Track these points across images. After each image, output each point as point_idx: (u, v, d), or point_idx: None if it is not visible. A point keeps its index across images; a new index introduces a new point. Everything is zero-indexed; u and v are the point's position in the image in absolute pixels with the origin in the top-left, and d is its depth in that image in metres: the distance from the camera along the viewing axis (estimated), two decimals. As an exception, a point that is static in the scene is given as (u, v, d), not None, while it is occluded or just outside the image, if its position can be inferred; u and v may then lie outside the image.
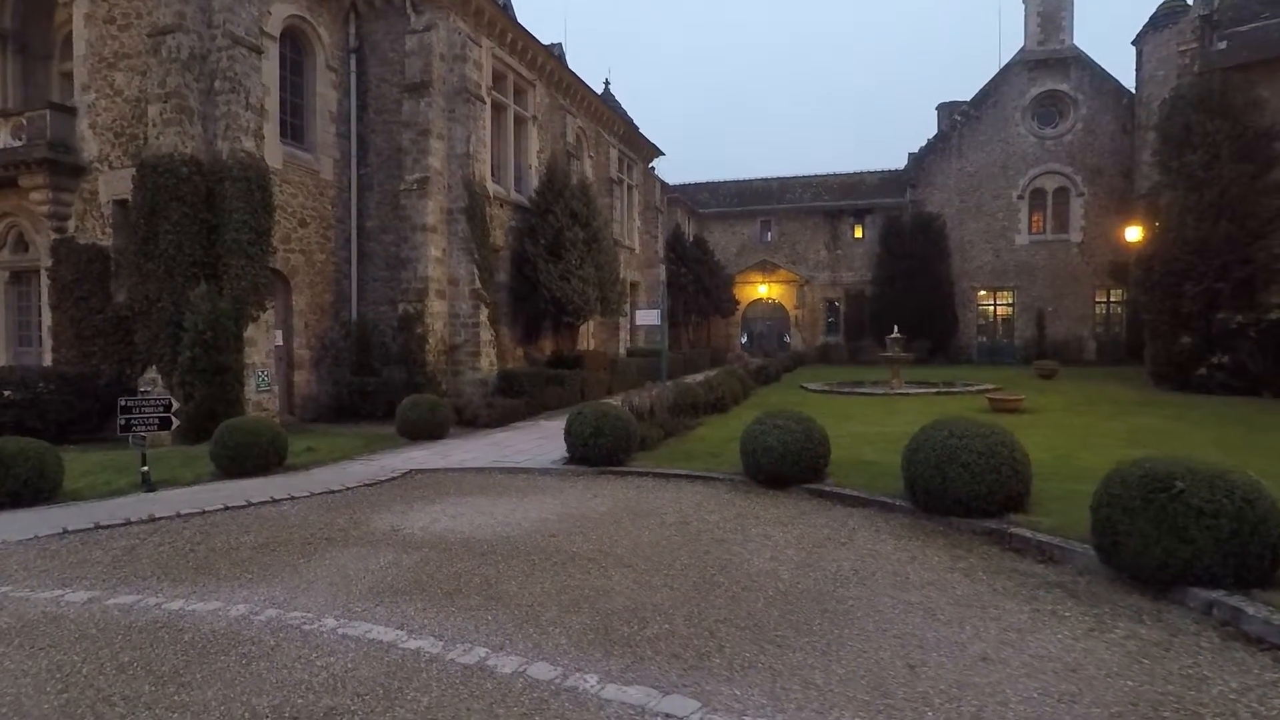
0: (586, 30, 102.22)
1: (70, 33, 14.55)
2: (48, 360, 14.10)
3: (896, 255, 35.39)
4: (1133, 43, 31.45)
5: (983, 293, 36.26)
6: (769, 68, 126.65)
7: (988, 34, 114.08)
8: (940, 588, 4.91)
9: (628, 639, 4.08)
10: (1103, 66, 34.52)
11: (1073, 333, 34.06)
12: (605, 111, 24.22)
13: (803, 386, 21.98)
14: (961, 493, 6.25)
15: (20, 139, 13.82)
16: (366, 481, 8.54)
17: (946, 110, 39.77)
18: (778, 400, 18.35)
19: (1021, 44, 35.60)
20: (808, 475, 7.89)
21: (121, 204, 13.39)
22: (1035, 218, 35.64)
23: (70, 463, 8.92)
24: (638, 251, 27.65)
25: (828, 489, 7.67)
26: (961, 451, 6.28)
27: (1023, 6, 35.67)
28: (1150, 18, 30.24)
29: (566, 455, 9.67)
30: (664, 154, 30.17)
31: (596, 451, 9.08)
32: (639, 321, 16.60)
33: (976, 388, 20.04)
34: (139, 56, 13.25)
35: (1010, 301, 35.96)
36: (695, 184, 41.94)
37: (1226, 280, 17.84)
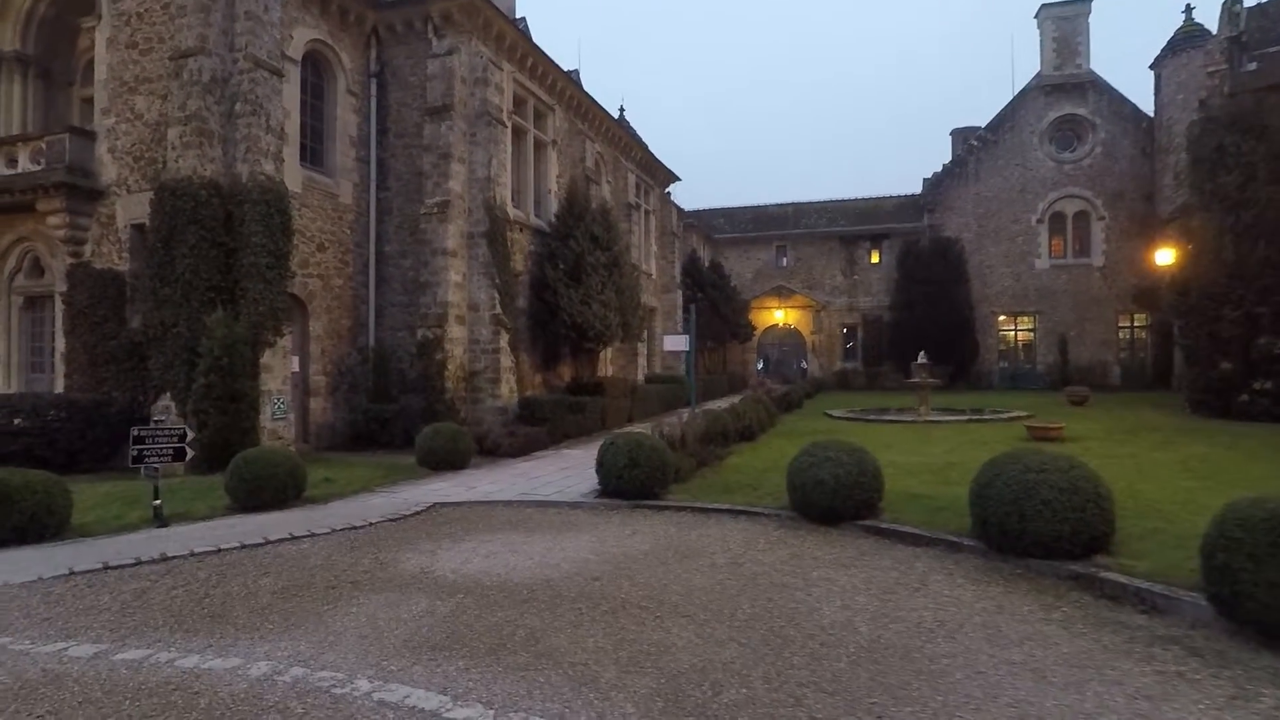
0: (600, 56, 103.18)
1: (92, 59, 14.45)
2: (59, 387, 13.77)
3: (915, 280, 35.00)
4: (1150, 67, 31.30)
5: (1003, 318, 35.72)
6: (781, 94, 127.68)
7: (998, 61, 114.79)
8: (1041, 643, 4.38)
9: (703, 707, 3.58)
10: (1120, 91, 34.33)
11: (1096, 358, 33.40)
12: (623, 136, 24.08)
13: (827, 414, 21.44)
14: (1042, 532, 5.72)
15: (39, 163, 13.65)
16: (389, 516, 8.06)
17: (961, 135, 39.67)
18: (804, 428, 17.83)
19: (1037, 69, 35.48)
20: (861, 511, 7.37)
21: (139, 228, 13.14)
22: (1055, 242, 35.21)
23: (79, 494, 8.48)
24: (654, 277, 27.33)
25: (885, 526, 7.14)
26: (1040, 487, 5.77)
27: (1038, 33, 35.66)
28: (1168, 42, 30.06)
29: (598, 488, 9.18)
30: (680, 179, 29.98)
31: (631, 484, 8.59)
32: (666, 347, 16.16)
33: (1009, 415, 19.45)
34: (160, 80, 13.10)
35: (1031, 326, 35.39)
36: (711, 210, 41.79)
37: (1267, 304, 17.29)
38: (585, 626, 4.70)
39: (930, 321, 33.38)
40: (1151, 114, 32.60)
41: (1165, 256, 21.75)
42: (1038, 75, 35.35)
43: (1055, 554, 5.72)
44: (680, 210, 31.43)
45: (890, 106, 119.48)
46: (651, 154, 26.50)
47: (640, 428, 18.99)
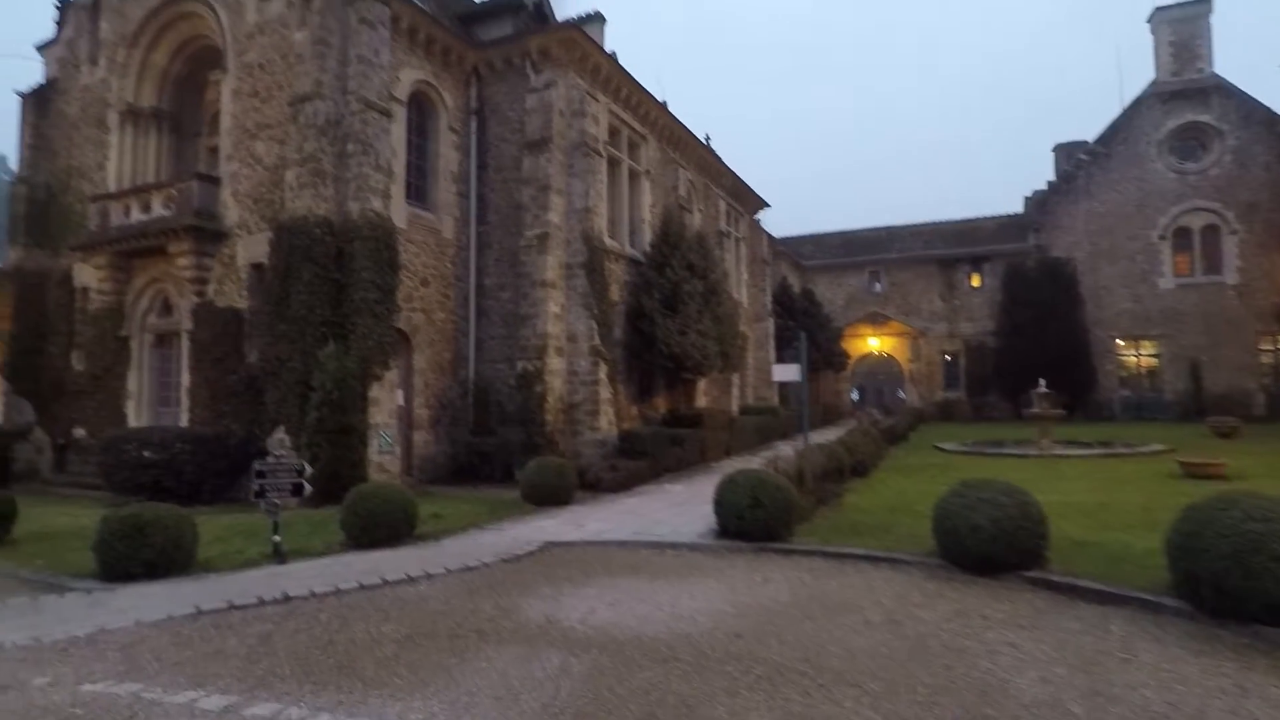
0: (680, 78, 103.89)
1: (218, 111, 15.34)
2: (184, 420, 14.38)
3: (1021, 304, 32.98)
4: (1288, 66, 28.72)
5: (1122, 342, 33.11)
6: (865, 117, 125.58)
7: (1098, 71, 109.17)
8: (1323, 742, 3.51)
9: (916, 814, 2.94)
10: (1250, 94, 31.64)
11: (1235, 385, 30.31)
12: (714, 164, 23.80)
13: (937, 447, 20.11)
14: (1275, 595, 4.78)
15: (170, 209, 14.47)
16: (503, 556, 7.74)
17: (1066, 151, 37.49)
18: (916, 463, 16.71)
19: (1152, 76, 33.22)
20: (1025, 561, 6.51)
21: (257, 267, 13.67)
22: (1180, 259, 32.50)
23: (202, 526, 8.56)
24: (745, 305, 26.70)
25: (1056, 579, 6.26)
26: (1270, 539, 4.85)
27: (1151, 38, 33.45)
28: (1309, 38, 27.58)
29: (715, 527, 8.61)
30: (770, 205, 29.41)
31: (754, 525, 7.99)
32: (775, 377, 15.52)
33: (1147, 450, 17.66)
34: (278, 126, 13.70)
35: (1156, 351, 32.62)
36: (798, 236, 40.93)
37: None
38: (742, 695, 4.14)
39: (1040, 347, 31.24)
40: (1289, 117, 29.87)
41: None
42: (1153, 83, 33.08)
43: (1293, 621, 4.77)
44: (770, 237, 30.79)
45: (980, 125, 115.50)
46: (741, 180, 26.10)
47: (739, 461, 18.30)
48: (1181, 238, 32.36)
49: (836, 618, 5.57)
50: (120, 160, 16.27)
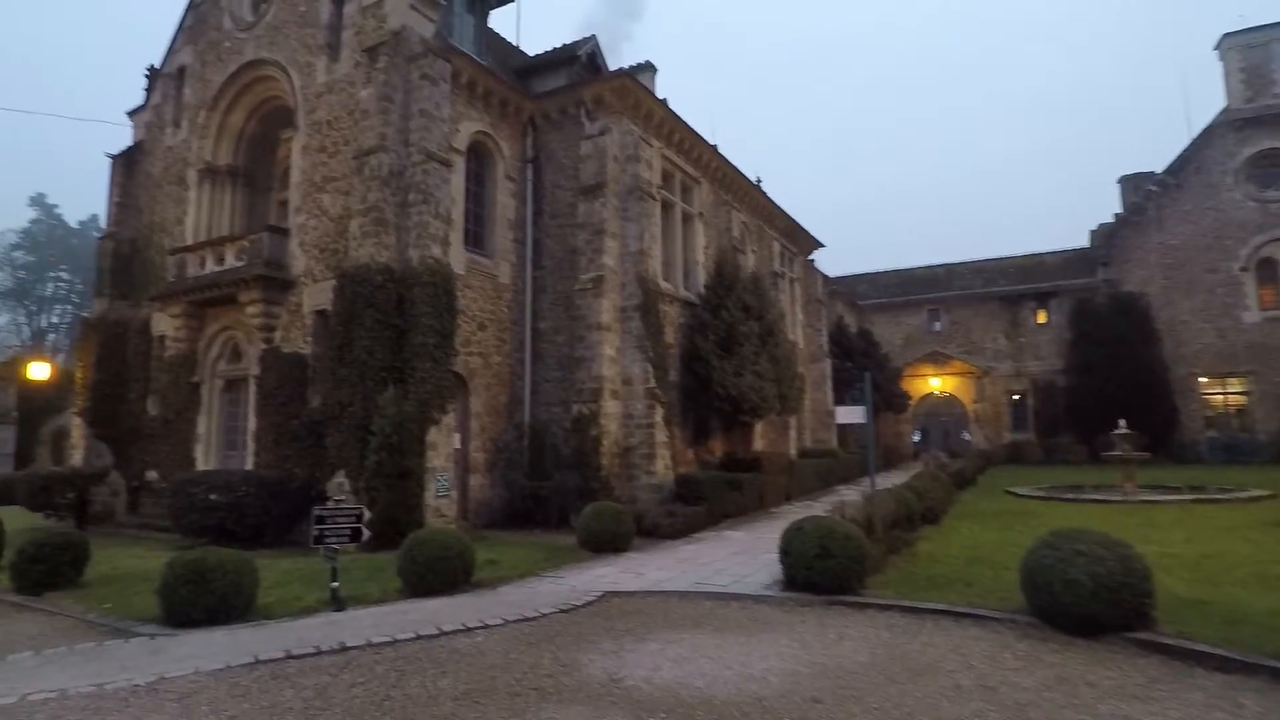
0: (727, 113, 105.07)
1: (288, 167, 16.04)
2: (249, 463, 14.69)
3: (1093, 341, 31.60)
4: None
5: (1205, 380, 31.26)
6: (915, 154, 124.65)
7: (1162, 101, 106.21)
8: None
9: None
10: (1333, 118, 30.11)
11: (1337, 424, 28.18)
12: (767, 205, 23.71)
13: (1010, 492, 19.09)
14: None
15: (242, 260, 15.05)
16: (561, 606, 7.48)
17: (1132, 183, 36.26)
18: (989, 508, 15.85)
19: (1223, 104, 31.99)
20: (1130, 620, 5.93)
21: (321, 314, 14.03)
22: (1265, 291, 30.77)
23: (263, 570, 8.57)
24: (801, 346, 26.21)
25: (1169, 642, 5.66)
26: None
27: (1220, 64, 32.34)
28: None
29: (781, 578, 8.18)
30: (824, 245, 29.08)
31: (823, 576, 7.54)
32: (839, 419, 15.05)
33: (1246, 495, 16.38)
34: (344, 179, 14.18)
35: (1244, 389, 30.70)
36: (852, 275, 40.39)
37: None
38: (827, 771, 3.76)
39: (1114, 386, 29.77)
40: (1380, 141, 28.24)
41: None
42: (1224, 110, 31.86)
43: None
44: (825, 276, 30.38)
45: (1037, 159, 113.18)
46: (794, 221, 25.91)
47: (799, 507, 17.70)
48: (1266, 269, 30.67)
49: (922, 682, 5.11)
50: (198, 215, 17.10)
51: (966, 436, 35.81)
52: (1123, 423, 18.58)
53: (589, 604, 7.67)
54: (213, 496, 12.46)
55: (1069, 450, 31.75)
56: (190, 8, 18.32)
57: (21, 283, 55.53)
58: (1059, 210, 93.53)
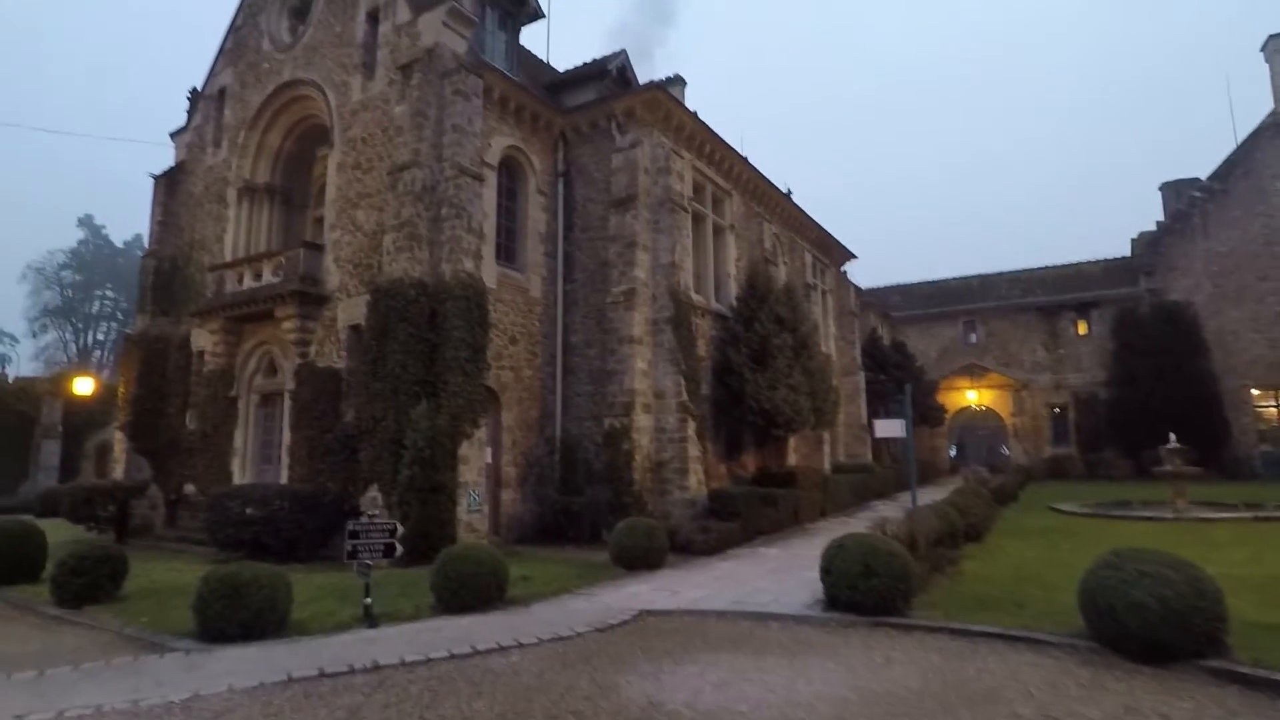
0: (758, 125, 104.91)
1: (323, 185, 16.27)
2: (284, 477, 14.80)
3: (1136, 352, 30.64)
4: None
5: (1258, 392, 30.09)
6: (948, 164, 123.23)
7: (1199, 106, 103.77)
8: None
9: None
10: (1389, 119, 29.00)
11: (1402, 438, 26.89)
12: (798, 216, 23.48)
13: (1054, 508, 18.48)
14: None
15: (278, 275, 15.26)
16: (596, 625, 7.31)
17: (1174, 189, 35.26)
18: (1033, 525, 15.35)
19: (1270, 107, 30.99)
20: (1202, 646, 5.57)
21: (355, 328, 14.12)
22: (1320, 300, 29.54)
23: (296, 585, 8.54)
24: (834, 359, 25.82)
25: (1246, 671, 5.30)
26: None
27: (1266, 66, 31.37)
28: None
29: (822, 597, 7.92)
30: (856, 256, 28.72)
31: (867, 596, 7.27)
32: (878, 433, 14.70)
33: (1311, 512, 15.59)
34: (378, 195, 14.32)
35: (1302, 402, 29.44)
36: (885, 287, 39.82)
37: None
38: (886, 809, 3.53)
39: (1160, 399, 28.82)
40: None
41: None
42: (1272, 113, 30.84)
43: None
44: (857, 288, 29.97)
45: (1072, 166, 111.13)
46: (826, 232, 25.63)
47: (835, 523, 17.31)
48: (1321, 276, 29.51)
49: (980, 711, 4.84)
50: (236, 232, 17.41)
51: (1005, 451, 34.92)
52: (1172, 437, 17.89)
53: (624, 623, 7.49)
54: (248, 510, 12.53)
55: (1113, 465, 30.75)
56: (231, 31, 18.78)
57: (69, 301, 57.36)
58: (1096, 218, 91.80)
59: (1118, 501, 19.38)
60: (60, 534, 14.39)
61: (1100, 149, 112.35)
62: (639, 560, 10.69)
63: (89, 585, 8.64)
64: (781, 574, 10.19)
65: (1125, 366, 30.93)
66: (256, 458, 16.21)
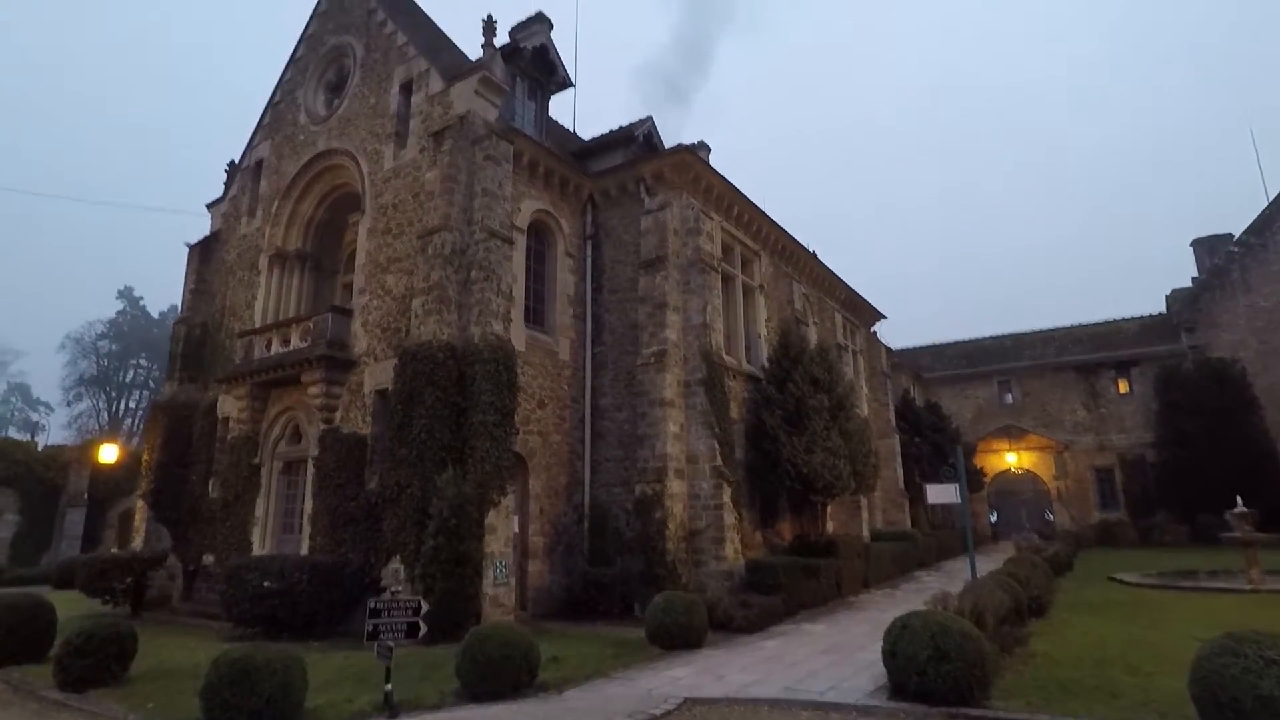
0: (789, 190, 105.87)
1: (353, 251, 16.35)
2: (304, 547, 14.31)
3: (1183, 411, 29.52)
4: None
5: (1318, 452, 28.57)
6: (968, 223, 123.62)
7: (1222, 164, 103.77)
8: None
9: None
10: None
11: None
12: (827, 276, 23.21)
13: (1115, 579, 17.31)
14: None
15: (306, 340, 15.16)
16: (637, 715, 6.61)
17: (1207, 245, 34.74)
18: (1096, 598, 14.30)
19: (1304, 162, 30.61)
20: (1348, 751, 4.79)
21: (381, 393, 13.86)
22: (1375, 354, 28.39)
23: (313, 667, 7.98)
24: (868, 421, 25.05)
25: None
26: None
27: (1296, 123, 31.14)
28: None
29: (885, 684, 7.17)
30: (885, 317, 28.28)
31: (939, 683, 6.52)
32: (930, 499, 13.91)
33: (1402, 583, 14.37)
34: (408, 259, 14.28)
35: (1365, 462, 27.87)
36: (915, 348, 39.12)
37: None
38: None
39: (1212, 460, 27.59)
40: None
41: None
42: (1306, 168, 30.42)
43: None
44: (888, 349, 29.39)
45: (1097, 226, 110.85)
46: (855, 291, 25.29)
47: (880, 595, 16.31)
48: (1373, 330, 28.44)
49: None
50: (266, 298, 17.48)
51: (1049, 516, 33.38)
52: (1239, 501, 16.80)
53: (669, 714, 6.78)
54: (266, 583, 12.01)
55: (1167, 530, 29.16)
56: (269, 107, 19.36)
57: (104, 370, 58.46)
58: (1124, 276, 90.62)
59: (1182, 571, 18.14)
60: (74, 608, 13.95)
61: (1130, 207, 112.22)
62: (678, 639, 9.95)
63: (94, 667, 8.13)
64: (834, 655, 9.39)
65: (1173, 426, 29.75)
66: (277, 527, 15.78)
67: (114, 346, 59.52)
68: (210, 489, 16.88)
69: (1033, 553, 15.97)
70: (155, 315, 62.24)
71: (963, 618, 7.44)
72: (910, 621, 6.97)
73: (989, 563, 17.36)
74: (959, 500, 13.28)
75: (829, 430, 16.14)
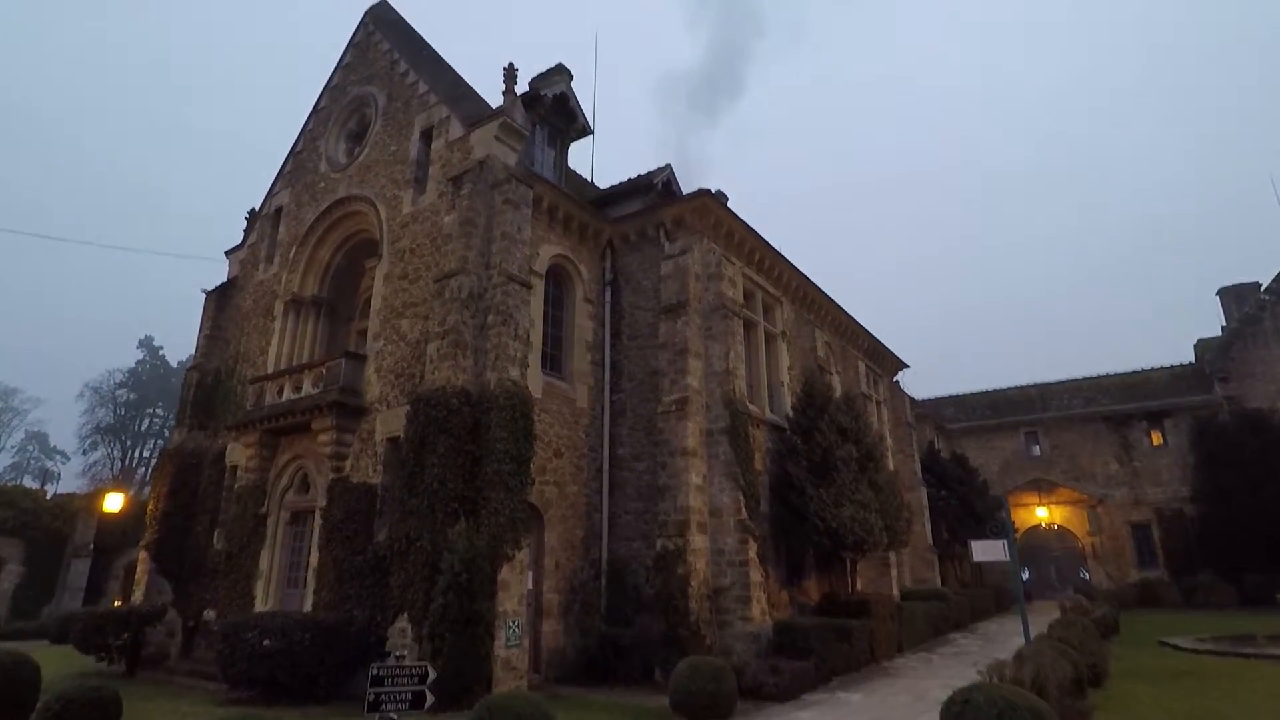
0: (810, 238, 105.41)
1: (368, 297, 16.12)
2: (309, 603, 13.66)
3: (1222, 464, 28.46)
4: None
5: (1368, 508, 27.22)
6: (986, 273, 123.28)
7: (1234, 215, 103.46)
8: None
9: None
10: None
11: None
12: (849, 323, 22.74)
13: (1165, 643, 16.23)
14: None
15: (318, 387, 14.79)
16: (667, 804, 5.88)
17: (1234, 294, 34.12)
18: (1152, 665, 13.32)
19: (1331, 210, 30.08)
20: None
21: (393, 441, 13.39)
22: None
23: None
24: (897, 473, 24.20)
25: None
26: None
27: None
28: None
29: (944, 769, 6.37)
30: (909, 366, 27.68)
31: (1010, 771, 5.76)
32: (976, 557, 13.03)
33: None
34: (424, 304, 13.99)
35: None
36: (937, 398, 38.28)
37: None
38: None
39: (1257, 514, 26.51)
40: None
41: None
42: (1335, 215, 29.88)
43: None
44: (912, 399, 28.68)
45: (1116, 276, 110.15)
46: (878, 340, 24.77)
47: (915, 659, 15.29)
48: None
49: None
50: (280, 344, 17.23)
51: (1085, 574, 31.94)
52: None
53: (702, 801, 6.03)
54: (265, 642, 11.33)
55: (1212, 590, 27.65)
56: (291, 155, 19.50)
57: (120, 419, 58.59)
58: (1146, 325, 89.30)
59: (1238, 636, 17.00)
60: (66, 665, 13.32)
61: (1149, 257, 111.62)
62: (704, 708, 9.16)
63: (74, 736, 7.49)
64: (877, 730, 8.56)
65: (1212, 480, 28.62)
66: (282, 581, 15.13)
67: (132, 395, 59.78)
68: (215, 540, 16.34)
69: (1080, 614, 14.97)
70: (174, 365, 62.66)
71: (1024, 689, 6.69)
72: (972, 698, 6.22)
73: (1034, 625, 16.33)
74: (1006, 558, 12.44)
75: (858, 482, 15.43)
